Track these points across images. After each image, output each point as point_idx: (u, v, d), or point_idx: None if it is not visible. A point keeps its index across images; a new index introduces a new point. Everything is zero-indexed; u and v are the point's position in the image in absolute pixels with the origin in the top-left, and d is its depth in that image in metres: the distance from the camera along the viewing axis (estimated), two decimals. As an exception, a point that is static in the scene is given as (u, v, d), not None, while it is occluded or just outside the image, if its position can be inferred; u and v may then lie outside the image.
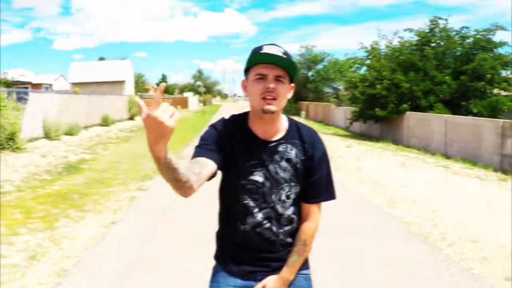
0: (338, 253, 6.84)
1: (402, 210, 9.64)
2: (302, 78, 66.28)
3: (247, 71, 2.65)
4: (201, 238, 7.09)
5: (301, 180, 2.68)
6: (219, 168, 2.61)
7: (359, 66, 35.36)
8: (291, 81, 2.62)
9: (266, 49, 2.56)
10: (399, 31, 34.39)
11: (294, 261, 2.73)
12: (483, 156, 18.63)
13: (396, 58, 31.62)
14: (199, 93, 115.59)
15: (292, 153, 2.67)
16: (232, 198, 2.71)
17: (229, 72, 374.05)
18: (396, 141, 27.24)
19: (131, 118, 40.54)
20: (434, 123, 23.87)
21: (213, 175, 2.57)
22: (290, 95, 2.65)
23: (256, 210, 2.67)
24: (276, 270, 2.76)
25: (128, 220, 8.85)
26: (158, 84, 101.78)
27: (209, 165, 2.54)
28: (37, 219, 8.87)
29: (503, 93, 28.97)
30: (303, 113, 57.52)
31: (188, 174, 2.35)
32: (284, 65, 2.53)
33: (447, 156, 20.64)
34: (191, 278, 5.79)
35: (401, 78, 28.86)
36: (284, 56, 2.55)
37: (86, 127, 27.99)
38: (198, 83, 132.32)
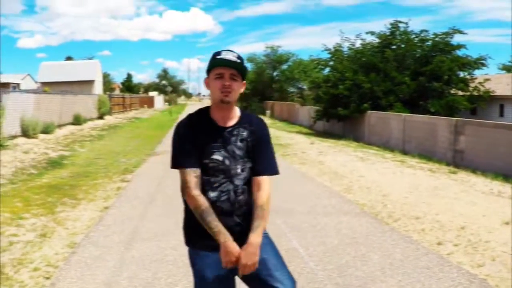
0: (303, 227, 8.16)
1: (358, 195, 11.00)
2: (267, 78, 67.08)
3: (208, 71, 3.31)
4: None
5: (252, 157, 3.33)
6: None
7: (322, 67, 36.62)
8: (243, 79, 3.30)
9: (223, 55, 3.23)
10: (361, 33, 35.72)
11: (258, 225, 3.22)
12: (437, 152, 19.92)
13: (358, 60, 32.92)
14: (164, 92, 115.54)
15: (245, 134, 3.31)
16: None
17: (194, 71, 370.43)
18: (357, 139, 28.33)
19: (101, 117, 41.12)
20: (393, 121, 25.10)
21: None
22: (242, 90, 3.34)
23: (216, 184, 3.24)
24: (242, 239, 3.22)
25: (120, 205, 9.96)
26: (123, 83, 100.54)
27: (193, 176, 3.21)
28: (37, 206, 9.82)
29: (460, 93, 30.30)
30: (268, 112, 57.98)
31: (203, 202, 3.18)
32: (236, 67, 3.21)
33: (405, 152, 21.80)
34: (182, 252, 6.94)
35: (362, 79, 30.14)
36: (238, 60, 3.23)
37: (59, 126, 28.54)
38: (164, 82, 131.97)
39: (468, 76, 31.55)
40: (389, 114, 26.72)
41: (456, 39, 31.82)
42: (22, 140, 21.28)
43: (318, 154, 18.61)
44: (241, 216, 3.31)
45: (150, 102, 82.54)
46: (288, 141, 24.81)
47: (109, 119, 42.00)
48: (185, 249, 6.72)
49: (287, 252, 6.63)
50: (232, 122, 3.33)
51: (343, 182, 12.68)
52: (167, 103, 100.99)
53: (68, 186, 12.11)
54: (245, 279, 3.38)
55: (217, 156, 3.23)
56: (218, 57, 3.24)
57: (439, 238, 7.59)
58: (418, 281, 5.69)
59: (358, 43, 34.88)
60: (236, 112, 3.38)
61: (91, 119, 37.35)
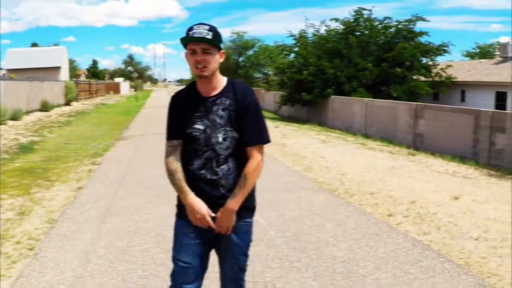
0: (265, 202, 8.65)
1: (317, 174, 11.62)
2: (233, 64, 67.31)
3: (184, 46, 3.37)
4: (158, 194, 9.11)
5: (236, 126, 3.36)
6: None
7: (287, 53, 37.16)
8: (219, 49, 3.36)
9: (195, 29, 3.26)
10: (326, 20, 36.24)
11: (236, 193, 3.34)
12: (398, 136, 20.55)
13: (322, 46, 33.54)
14: (130, 78, 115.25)
15: (227, 103, 3.35)
16: (184, 145, 3.45)
17: (159, 57, 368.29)
18: (321, 123, 28.96)
19: (68, 103, 41.21)
20: (355, 106, 25.70)
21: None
22: (221, 60, 3.39)
23: (200, 153, 3.37)
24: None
25: (92, 186, 10.41)
26: (89, 70, 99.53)
27: (178, 147, 3.45)
28: (12, 188, 10.24)
29: (423, 78, 31.17)
30: (233, 97, 58.67)
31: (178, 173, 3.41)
32: (207, 41, 3.25)
33: (367, 136, 22.42)
34: (155, 219, 7.67)
35: (326, 64, 30.73)
36: (208, 35, 3.25)
37: (27, 112, 28.69)
38: (130, 68, 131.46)
39: (430, 63, 32.43)
40: (351, 99, 27.31)
41: (420, 25, 32.63)
42: (-10, 127, 21.51)
43: (281, 137, 19.13)
44: (227, 188, 3.41)
45: (116, 88, 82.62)
46: (253, 126, 25.41)
47: (76, 105, 42.17)
48: (156, 222, 7.32)
49: (250, 223, 7.29)
50: (215, 91, 3.41)
51: (304, 163, 13.30)
52: (133, 89, 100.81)
53: (40, 169, 12.52)
54: (216, 245, 3.63)
55: (199, 126, 3.36)
56: (190, 32, 3.29)
57: (390, 211, 8.25)
58: (367, 245, 6.35)
59: (322, 30, 35.51)
60: (222, 82, 3.46)
61: (58, 106, 37.47)
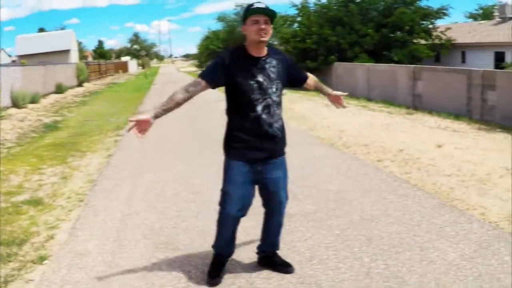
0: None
1: (319, 132, 13.04)
2: (238, 36, 68.34)
3: (245, 19, 4.09)
4: (180, 157, 10.41)
5: (282, 78, 4.25)
6: (213, 85, 4.16)
7: (290, 23, 38.14)
8: (271, 22, 4.09)
9: (256, 5, 4.00)
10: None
11: (326, 88, 5.01)
12: (399, 97, 21.50)
13: (324, 15, 34.42)
14: (136, 56, 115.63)
15: (274, 63, 4.21)
16: (243, 95, 4.12)
17: (164, 33, 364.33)
18: (326, 89, 29.77)
19: (80, 84, 42.24)
20: (358, 71, 26.64)
21: (204, 89, 4.18)
22: (271, 31, 4.12)
23: (260, 100, 4.13)
24: (271, 157, 4.29)
25: (121, 153, 11.71)
26: (95, 51, 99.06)
27: (201, 85, 4.14)
28: (50, 160, 11.44)
29: (423, 42, 32.14)
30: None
31: (178, 96, 4.14)
32: (269, 13, 4.01)
33: (369, 99, 23.40)
34: (180, 172, 9.00)
35: (328, 32, 31.78)
36: (268, 8, 4.00)
37: (44, 95, 29.72)
38: (135, 46, 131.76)
39: (430, 26, 33.32)
40: (354, 65, 28.32)
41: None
42: (13, 110, 22.53)
43: (289, 103, 20.21)
44: (278, 128, 4.26)
45: (124, 67, 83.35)
46: (261, 95, 26.63)
47: (88, 86, 43.18)
48: (182, 175, 8.63)
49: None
50: (263, 54, 4.21)
51: (308, 123, 14.75)
52: (140, 67, 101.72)
53: (70, 143, 13.68)
54: (261, 189, 4.44)
55: (259, 78, 4.13)
56: (253, 7, 4.04)
57: (380, 157, 9.65)
58: (355, 181, 7.79)
59: (323, -1, 36.32)
60: (265, 48, 4.24)
61: (71, 87, 38.39)
